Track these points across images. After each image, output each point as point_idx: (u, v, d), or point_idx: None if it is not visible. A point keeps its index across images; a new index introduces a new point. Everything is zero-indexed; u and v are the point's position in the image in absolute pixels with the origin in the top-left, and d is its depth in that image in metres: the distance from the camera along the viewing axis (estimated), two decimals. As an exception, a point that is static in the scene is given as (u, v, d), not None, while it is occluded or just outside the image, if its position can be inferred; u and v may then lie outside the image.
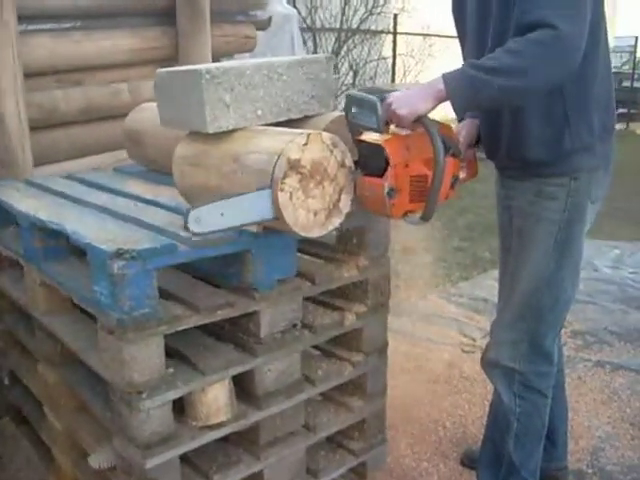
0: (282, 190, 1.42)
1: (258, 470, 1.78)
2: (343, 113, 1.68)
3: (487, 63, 1.47)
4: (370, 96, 1.51)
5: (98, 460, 1.68)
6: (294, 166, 1.43)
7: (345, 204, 1.56)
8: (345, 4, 7.49)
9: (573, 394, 2.66)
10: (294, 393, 1.80)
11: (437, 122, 1.55)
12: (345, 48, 7.64)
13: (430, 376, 2.88)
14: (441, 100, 1.50)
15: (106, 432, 1.71)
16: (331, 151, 1.50)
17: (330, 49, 7.45)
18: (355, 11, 7.55)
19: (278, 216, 1.45)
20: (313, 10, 7.44)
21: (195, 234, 1.42)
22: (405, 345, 3.20)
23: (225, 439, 1.82)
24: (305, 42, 6.69)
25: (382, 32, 8.37)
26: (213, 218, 1.41)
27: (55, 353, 1.90)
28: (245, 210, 1.44)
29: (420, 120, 1.51)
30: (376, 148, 1.53)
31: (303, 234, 1.50)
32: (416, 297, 3.94)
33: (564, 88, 1.59)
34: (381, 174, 1.53)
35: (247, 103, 1.58)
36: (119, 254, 1.41)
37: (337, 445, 2.06)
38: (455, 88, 1.48)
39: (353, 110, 1.54)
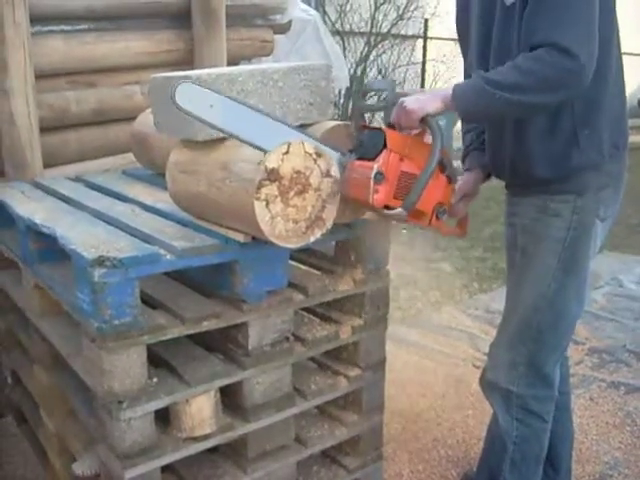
0: (258, 199, 1.39)
1: (244, 484, 1.75)
2: (341, 122, 1.66)
3: (493, 76, 1.50)
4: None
5: (82, 467, 1.67)
6: (272, 175, 1.40)
7: (329, 215, 1.53)
8: (376, 9, 7.43)
9: (584, 416, 2.57)
10: (284, 406, 1.76)
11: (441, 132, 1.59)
12: (374, 53, 7.57)
13: (437, 391, 2.81)
14: (448, 103, 1.55)
15: (92, 439, 1.70)
16: (314, 160, 1.47)
17: (359, 53, 7.40)
18: (385, 15, 7.48)
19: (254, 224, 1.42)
20: (343, 14, 7.40)
21: (177, 107, 1.40)
22: (416, 358, 3.14)
23: (215, 451, 1.79)
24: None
25: (413, 37, 8.28)
26: (201, 103, 1.40)
27: (48, 355, 1.89)
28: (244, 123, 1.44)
29: (426, 119, 1.55)
30: (376, 133, 1.55)
31: (280, 244, 1.46)
32: (432, 308, 3.87)
33: (574, 105, 1.56)
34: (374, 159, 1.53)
35: (239, 110, 1.55)
36: (100, 262, 1.39)
37: (331, 460, 2.02)
38: (461, 94, 1.54)
39: (366, 97, 1.58)
